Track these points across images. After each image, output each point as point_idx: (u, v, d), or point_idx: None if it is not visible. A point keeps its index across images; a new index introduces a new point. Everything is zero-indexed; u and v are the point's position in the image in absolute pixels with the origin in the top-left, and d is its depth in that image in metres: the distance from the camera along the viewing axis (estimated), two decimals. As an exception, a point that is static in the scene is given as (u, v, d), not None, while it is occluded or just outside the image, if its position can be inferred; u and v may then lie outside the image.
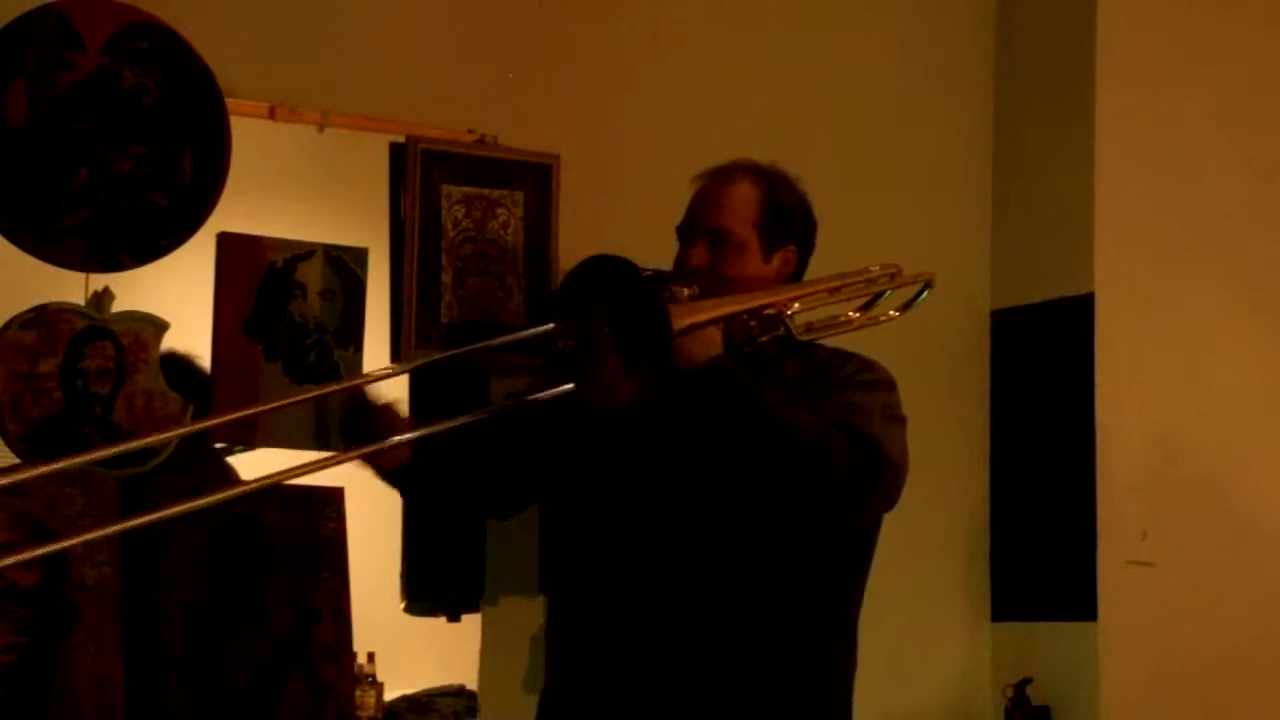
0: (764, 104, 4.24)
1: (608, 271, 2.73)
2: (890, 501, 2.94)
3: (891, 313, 3.16)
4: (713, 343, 2.83)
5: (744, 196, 3.04)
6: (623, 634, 2.91)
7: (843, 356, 3.04)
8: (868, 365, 3.01)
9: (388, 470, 2.99)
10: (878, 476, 2.82)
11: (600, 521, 2.98)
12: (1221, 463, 4.43)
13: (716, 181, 3.06)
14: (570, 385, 2.81)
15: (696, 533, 2.88)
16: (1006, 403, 4.50)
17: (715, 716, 2.87)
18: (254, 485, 2.86)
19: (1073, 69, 4.40)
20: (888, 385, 2.98)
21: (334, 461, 2.85)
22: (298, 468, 2.78)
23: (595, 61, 4.06)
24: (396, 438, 2.87)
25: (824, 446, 2.78)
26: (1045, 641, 4.35)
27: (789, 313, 2.98)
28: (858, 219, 4.17)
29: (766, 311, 2.95)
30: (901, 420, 2.96)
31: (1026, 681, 4.28)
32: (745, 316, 2.94)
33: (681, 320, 2.74)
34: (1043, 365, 4.44)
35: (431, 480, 3.04)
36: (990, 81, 4.59)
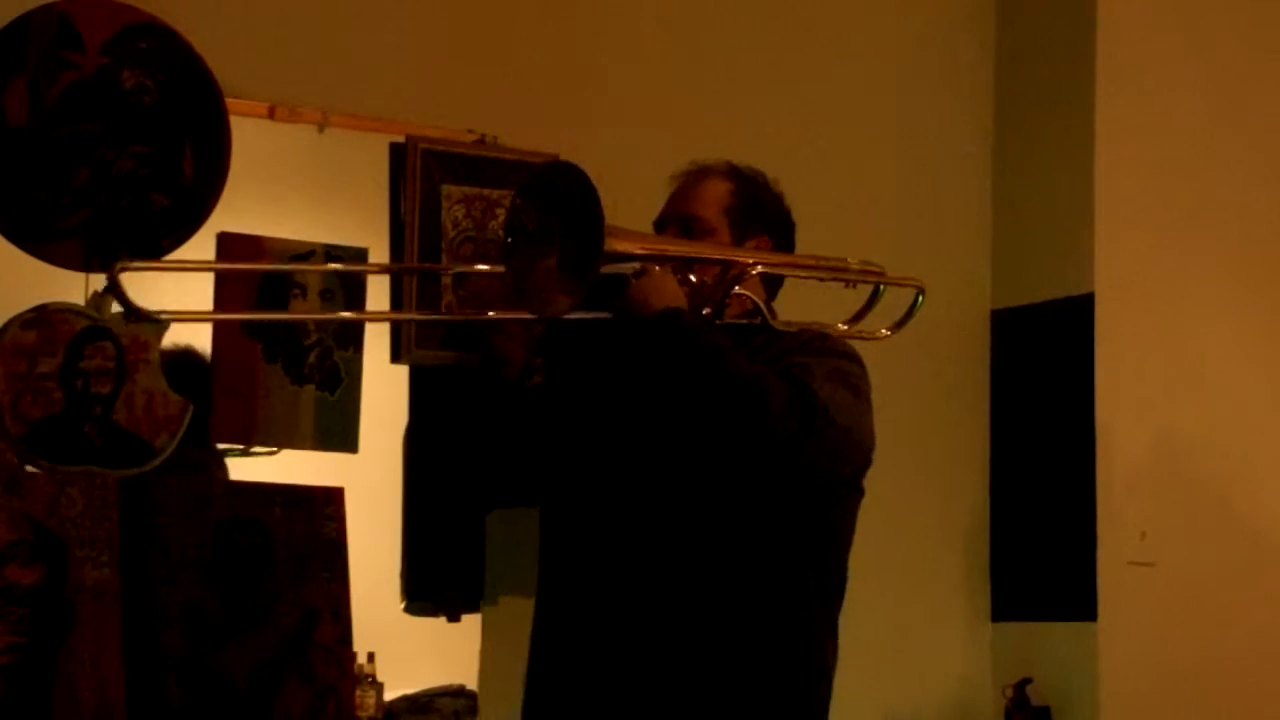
0: (763, 104, 4.25)
1: (572, 178, 2.84)
2: (833, 460, 2.91)
3: (884, 331, 3.17)
4: (671, 295, 2.90)
5: (715, 187, 3.11)
6: (596, 618, 2.94)
7: (802, 330, 3.05)
8: (821, 335, 3.05)
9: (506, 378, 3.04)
10: (810, 419, 2.84)
11: (581, 511, 3.01)
12: (1221, 462, 4.43)
13: (690, 176, 3.14)
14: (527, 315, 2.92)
15: (655, 496, 2.91)
16: (1006, 403, 4.50)
17: (690, 707, 2.88)
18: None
19: (1073, 69, 4.41)
20: (840, 353, 3.00)
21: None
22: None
23: (595, 61, 4.06)
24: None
25: (760, 385, 2.83)
26: (1045, 641, 4.35)
27: (752, 273, 3.00)
28: (858, 219, 4.17)
29: (730, 274, 2.97)
30: (855, 388, 2.95)
31: (1026, 681, 4.28)
32: (710, 281, 2.96)
33: (617, 242, 2.83)
34: (1043, 365, 4.44)
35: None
36: (990, 81, 4.60)
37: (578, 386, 3.04)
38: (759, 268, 3.02)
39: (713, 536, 2.90)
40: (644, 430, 2.94)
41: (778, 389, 2.82)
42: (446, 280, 3.67)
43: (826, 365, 2.93)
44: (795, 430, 2.82)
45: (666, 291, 2.90)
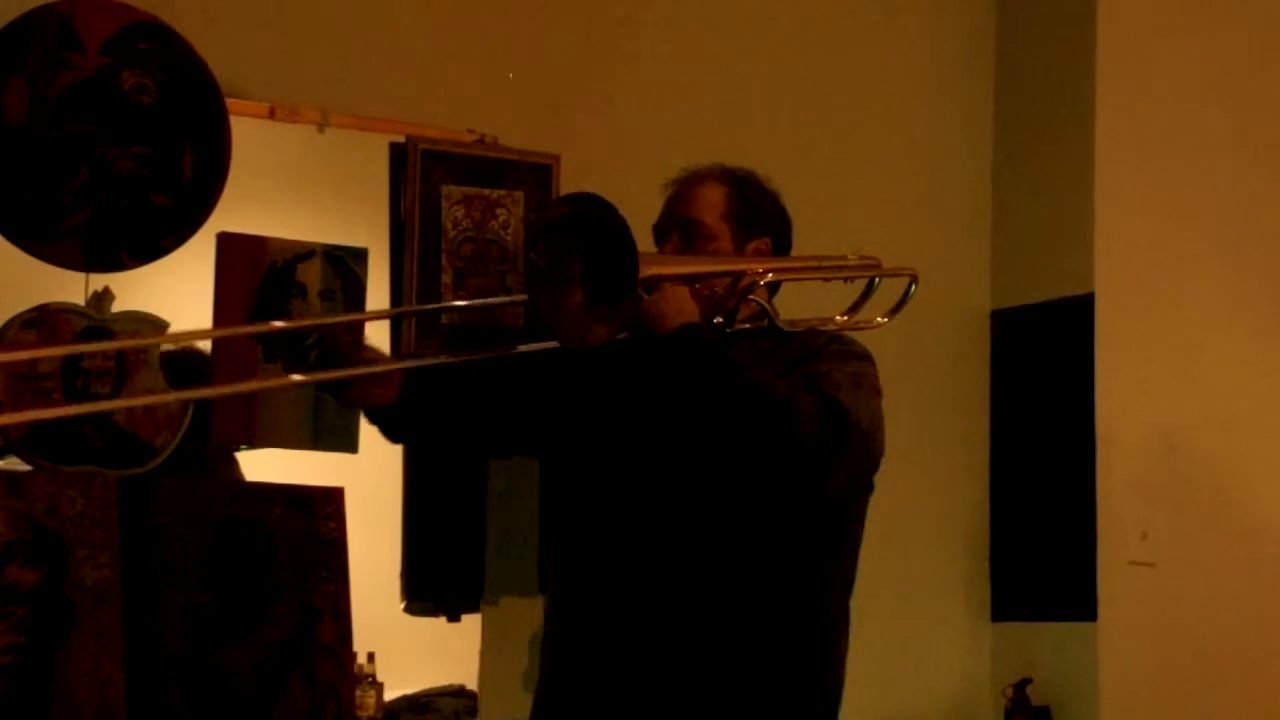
0: (763, 105, 4.25)
1: (589, 210, 2.78)
2: (861, 469, 2.93)
3: (880, 319, 3.17)
4: (686, 310, 2.88)
5: (713, 192, 3.09)
6: (611, 623, 2.93)
7: (816, 331, 3.06)
8: (839, 338, 3.04)
9: (374, 408, 2.98)
10: (842, 437, 2.83)
11: (589, 510, 3.01)
12: (1221, 462, 4.42)
13: (686, 182, 3.12)
14: (554, 344, 2.86)
15: (682, 517, 2.90)
16: (1006, 403, 4.51)
17: (706, 701, 2.88)
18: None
19: (1073, 69, 4.40)
20: (859, 355, 3.00)
21: (312, 379, 2.86)
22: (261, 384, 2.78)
23: (595, 61, 4.06)
24: (368, 369, 2.87)
25: (789, 406, 2.80)
26: (1045, 641, 4.35)
27: (762, 282, 3.00)
28: (858, 219, 4.18)
29: (741, 283, 2.97)
30: (874, 390, 2.96)
31: (1026, 681, 4.28)
32: (720, 292, 2.97)
33: (649, 268, 2.79)
34: (1043, 365, 4.44)
35: (417, 419, 3.02)
36: (990, 81, 4.60)
37: (594, 399, 3.02)
38: (770, 275, 3.02)
39: (732, 532, 2.91)
40: (664, 440, 2.93)
41: (805, 406, 2.81)
42: (446, 279, 3.68)
43: (847, 370, 2.94)
44: (828, 446, 2.82)
45: (682, 307, 2.88)
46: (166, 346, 3.40)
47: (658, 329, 2.84)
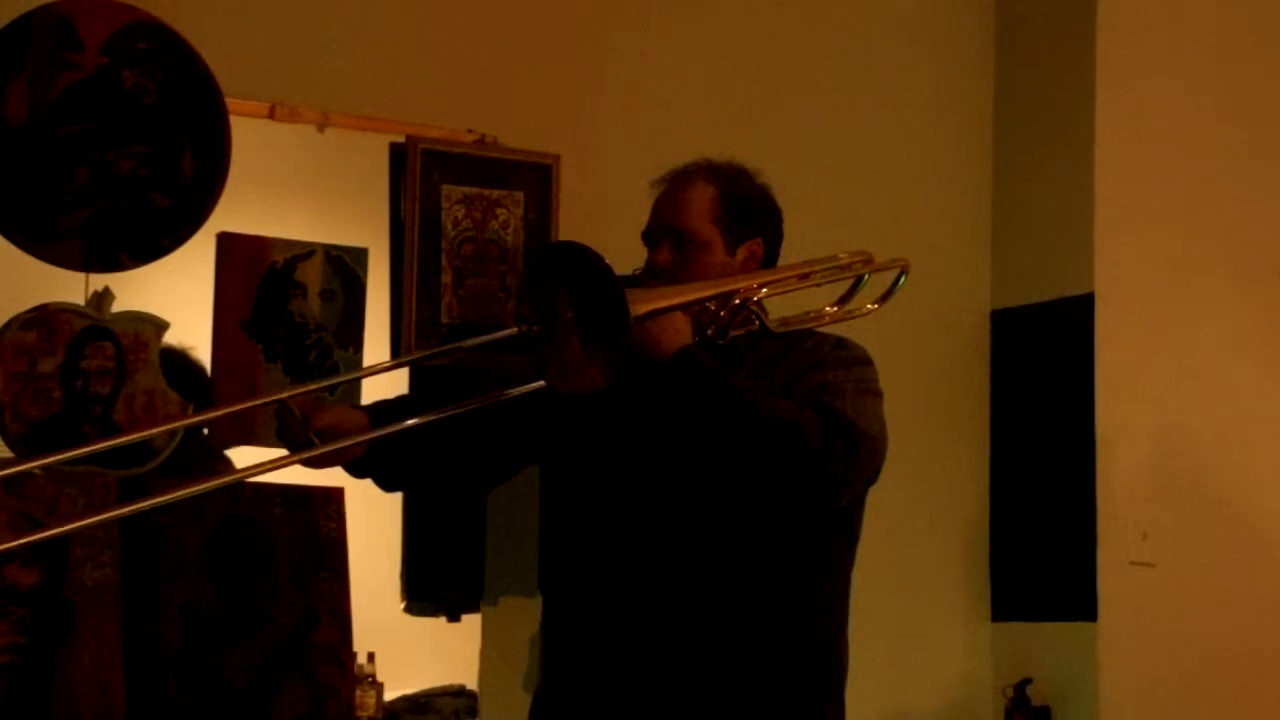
0: (764, 105, 4.25)
1: (570, 258, 2.76)
2: (870, 476, 2.94)
3: (869, 306, 3.16)
4: (682, 332, 2.85)
5: (702, 195, 3.06)
6: (613, 625, 2.93)
7: (817, 336, 3.05)
8: (841, 343, 3.03)
9: (349, 464, 2.97)
10: (854, 451, 2.83)
11: (589, 513, 3.00)
12: (1222, 463, 4.43)
13: (674, 184, 3.09)
14: (539, 383, 2.84)
15: (682, 521, 2.90)
16: (1006, 403, 4.50)
17: (709, 702, 2.88)
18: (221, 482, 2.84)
19: (1073, 69, 4.40)
20: (861, 360, 2.99)
21: (287, 462, 2.82)
22: (253, 468, 2.78)
23: (595, 61, 4.06)
24: (340, 443, 2.85)
25: (795, 427, 2.80)
26: (1045, 641, 4.35)
27: (756, 299, 2.98)
28: (858, 219, 4.17)
29: (734, 300, 2.95)
30: (877, 394, 2.96)
31: (1026, 681, 4.28)
32: (713, 307, 2.95)
33: (640, 306, 2.76)
34: (1043, 365, 4.44)
35: (396, 466, 3.02)
36: (990, 81, 4.59)
37: (592, 418, 2.99)
38: (764, 290, 3.00)
39: (735, 539, 2.90)
40: (666, 456, 2.91)
41: (811, 424, 2.81)
42: (446, 279, 3.68)
43: (852, 378, 2.94)
44: (839, 462, 2.82)
45: (677, 328, 2.85)
46: (164, 347, 3.40)
47: (655, 354, 2.81)
